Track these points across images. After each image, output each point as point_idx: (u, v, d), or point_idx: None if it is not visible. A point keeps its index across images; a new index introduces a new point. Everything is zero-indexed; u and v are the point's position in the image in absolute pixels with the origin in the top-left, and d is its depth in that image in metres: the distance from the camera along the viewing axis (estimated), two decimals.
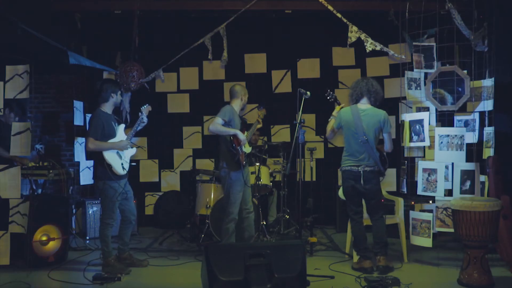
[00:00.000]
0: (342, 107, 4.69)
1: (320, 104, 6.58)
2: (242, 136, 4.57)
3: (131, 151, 4.55)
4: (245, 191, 4.69)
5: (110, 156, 4.32)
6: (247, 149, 4.67)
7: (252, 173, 5.17)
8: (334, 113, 4.73)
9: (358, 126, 4.42)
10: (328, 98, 4.84)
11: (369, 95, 4.51)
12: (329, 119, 4.75)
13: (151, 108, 4.63)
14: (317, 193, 6.34)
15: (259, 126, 4.90)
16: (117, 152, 4.39)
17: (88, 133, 4.36)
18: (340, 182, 6.57)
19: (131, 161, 4.58)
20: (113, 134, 4.42)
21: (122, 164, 4.39)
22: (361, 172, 4.41)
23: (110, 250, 4.44)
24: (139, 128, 4.53)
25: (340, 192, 5.12)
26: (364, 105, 4.53)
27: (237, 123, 4.67)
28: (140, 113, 4.50)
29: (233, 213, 4.58)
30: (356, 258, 4.60)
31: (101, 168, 4.31)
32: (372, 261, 4.44)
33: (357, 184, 4.44)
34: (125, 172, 4.43)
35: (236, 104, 4.76)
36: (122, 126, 4.54)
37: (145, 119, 4.50)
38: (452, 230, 4.43)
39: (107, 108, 4.50)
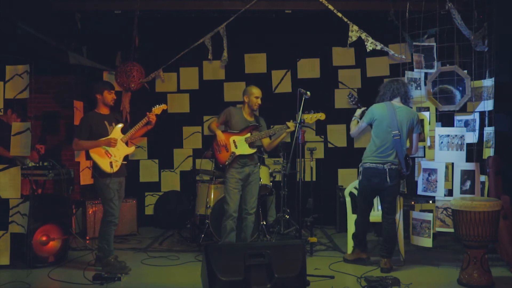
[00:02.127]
0: (363, 111, 4.65)
1: (320, 104, 6.61)
2: (220, 137, 4.60)
3: (127, 150, 4.52)
4: (246, 191, 4.68)
5: (95, 154, 4.40)
6: (240, 150, 4.61)
7: None
8: (356, 114, 4.72)
9: (394, 121, 4.40)
10: (351, 100, 4.80)
11: (405, 97, 4.54)
12: (353, 119, 4.75)
13: (164, 108, 4.59)
14: (317, 193, 6.34)
15: (290, 130, 4.54)
16: (106, 151, 4.40)
17: (74, 134, 4.58)
18: (340, 182, 6.67)
19: (124, 159, 4.55)
20: (104, 134, 4.45)
21: (110, 162, 4.37)
22: (387, 170, 4.38)
23: (111, 249, 4.45)
24: (139, 127, 4.49)
25: (346, 193, 5.14)
26: (397, 103, 4.53)
27: (236, 123, 4.67)
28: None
29: (228, 210, 4.59)
30: (350, 250, 4.74)
31: (93, 166, 4.46)
32: (365, 254, 4.57)
33: (381, 182, 4.40)
34: (113, 170, 4.38)
35: (244, 106, 4.76)
36: (120, 125, 4.52)
37: (151, 120, 4.48)
38: (452, 230, 4.43)
39: (101, 109, 4.54)
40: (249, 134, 4.65)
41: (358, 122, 4.64)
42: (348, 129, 6.54)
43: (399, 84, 4.52)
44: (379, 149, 4.42)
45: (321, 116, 4.55)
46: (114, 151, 4.42)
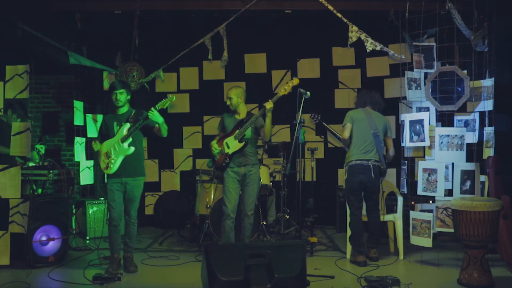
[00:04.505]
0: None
1: (320, 104, 6.63)
2: (211, 146, 4.74)
3: (124, 151, 4.40)
4: (243, 193, 4.65)
5: (99, 155, 4.50)
6: (231, 148, 4.61)
7: None
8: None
9: (371, 121, 4.80)
10: (314, 120, 5.16)
11: (373, 106, 4.95)
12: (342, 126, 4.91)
13: (171, 101, 4.39)
14: (317, 193, 6.34)
15: (269, 107, 4.36)
16: (107, 152, 4.43)
17: None
18: (340, 182, 6.67)
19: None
20: (110, 134, 4.48)
21: (107, 163, 4.39)
22: (371, 166, 4.68)
23: (113, 248, 4.47)
24: (138, 125, 4.36)
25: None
26: (370, 109, 4.95)
27: (228, 126, 4.72)
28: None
29: (225, 211, 4.59)
30: (349, 254, 4.88)
31: None
32: (364, 256, 4.69)
33: (366, 178, 4.69)
34: (110, 171, 4.40)
35: None
36: (126, 126, 4.41)
37: (149, 115, 4.31)
38: (452, 230, 4.43)
39: (114, 109, 4.56)
40: (237, 131, 4.64)
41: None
42: None
43: (366, 95, 4.96)
44: (362, 147, 4.74)
45: (295, 81, 4.44)
46: (112, 152, 4.40)
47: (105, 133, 4.53)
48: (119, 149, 4.41)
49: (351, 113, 4.88)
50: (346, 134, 4.84)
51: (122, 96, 4.48)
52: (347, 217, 4.99)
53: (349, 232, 4.89)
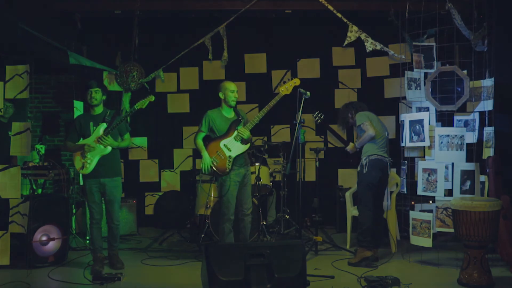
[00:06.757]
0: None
1: (320, 104, 6.62)
2: (205, 159, 4.46)
3: (102, 151, 4.43)
4: (241, 192, 4.56)
5: (73, 155, 4.50)
6: (235, 151, 4.46)
7: (252, 173, 5.10)
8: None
9: (382, 123, 4.92)
10: (316, 119, 5.18)
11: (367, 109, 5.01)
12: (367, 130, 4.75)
13: (150, 100, 4.44)
14: (317, 193, 6.32)
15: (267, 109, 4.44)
16: (82, 152, 4.43)
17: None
18: (340, 182, 6.66)
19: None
20: (86, 134, 4.48)
21: (83, 163, 4.40)
22: (388, 163, 4.74)
23: (95, 247, 4.52)
24: (115, 124, 4.42)
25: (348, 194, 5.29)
26: None
27: (220, 126, 4.55)
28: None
29: (226, 214, 4.48)
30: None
31: None
32: (375, 251, 4.70)
33: (384, 175, 4.73)
34: (86, 171, 4.40)
35: (222, 104, 4.65)
36: (103, 126, 4.45)
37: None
38: (452, 230, 4.43)
39: (89, 109, 4.58)
40: (236, 132, 4.51)
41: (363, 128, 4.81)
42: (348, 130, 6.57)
43: (358, 104, 5.04)
44: (379, 144, 4.74)
45: (296, 81, 4.51)
46: (88, 153, 4.42)
47: (81, 134, 4.51)
48: (96, 149, 4.43)
49: (365, 112, 4.85)
50: (373, 130, 4.66)
51: (97, 95, 4.49)
52: (347, 215, 4.99)
53: (349, 231, 4.88)
